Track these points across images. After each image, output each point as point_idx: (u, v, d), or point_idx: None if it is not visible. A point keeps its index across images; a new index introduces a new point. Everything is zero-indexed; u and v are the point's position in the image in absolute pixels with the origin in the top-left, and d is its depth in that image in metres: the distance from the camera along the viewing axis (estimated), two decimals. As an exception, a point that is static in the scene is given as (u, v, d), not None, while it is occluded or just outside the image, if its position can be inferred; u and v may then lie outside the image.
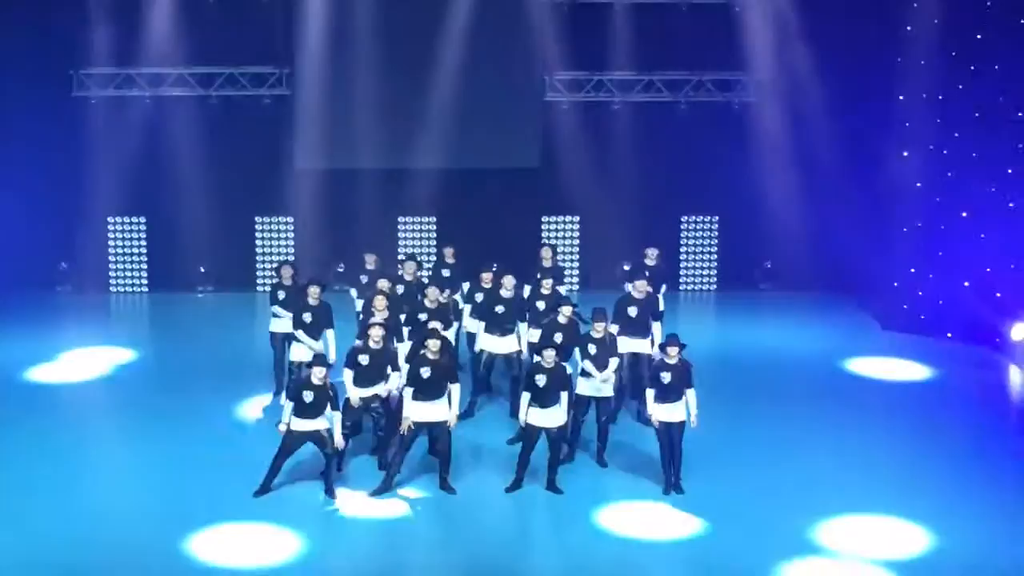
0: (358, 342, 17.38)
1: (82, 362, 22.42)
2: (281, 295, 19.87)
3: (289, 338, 19.22)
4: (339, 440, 16.16)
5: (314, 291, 18.48)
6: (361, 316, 19.72)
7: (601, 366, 16.96)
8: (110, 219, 27.17)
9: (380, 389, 16.90)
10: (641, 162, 26.50)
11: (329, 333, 18.47)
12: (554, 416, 16.24)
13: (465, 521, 16.03)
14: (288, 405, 16.29)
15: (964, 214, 23.20)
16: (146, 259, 27.63)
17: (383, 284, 18.79)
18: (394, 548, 15.46)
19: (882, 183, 25.03)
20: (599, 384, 17.09)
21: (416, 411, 16.19)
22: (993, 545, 15.13)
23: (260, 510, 15.87)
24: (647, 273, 19.67)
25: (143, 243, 27.58)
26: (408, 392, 16.25)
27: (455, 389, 16.40)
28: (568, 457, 17.30)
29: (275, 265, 21.91)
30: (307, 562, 14.88)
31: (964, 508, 16.13)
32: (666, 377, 16.60)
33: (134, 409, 19.91)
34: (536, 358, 16.74)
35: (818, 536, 15.42)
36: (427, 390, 16.12)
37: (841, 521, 15.76)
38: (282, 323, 19.52)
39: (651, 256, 20.66)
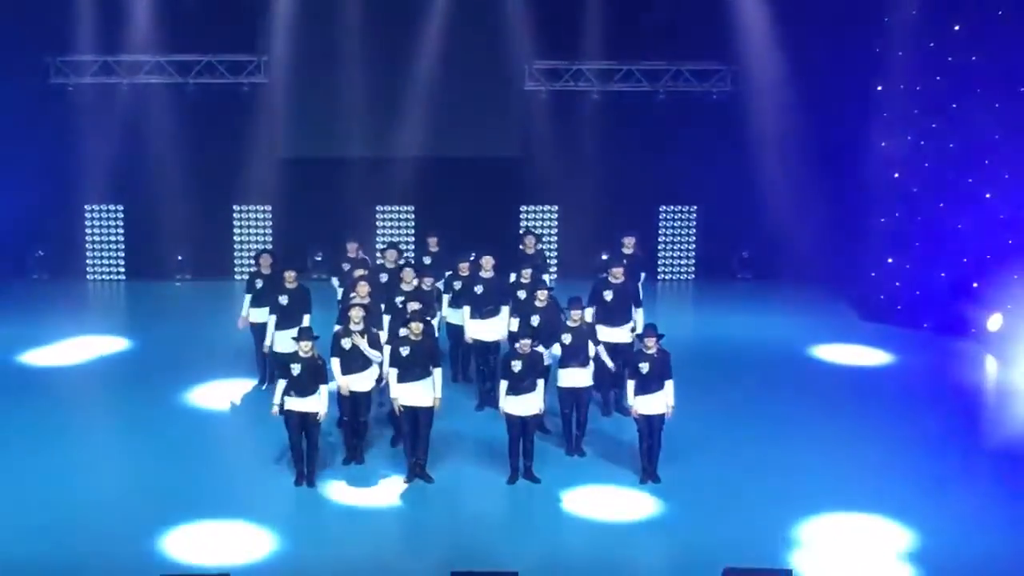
0: (338, 327, 17.38)
1: (64, 350, 22.38)
2: (259, 283, 19.75)
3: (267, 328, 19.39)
4: (323, 412, 16.15)
5: (290, 275, 18.48)
6: (341, 303, 19.49)
7: (576, 355, 16.95)
8: (87, 207, 27.08)
9: (367, 381, 16.82)
10: (619, 151, 26.58)
11: (306, 318, 18.31)
12: (529, 404, 16.27)
13: (443, 509, 16.13)
14: (280, 384, 16.23)
15: (941, 205, 23.19)
16: (123, 247, 27.51)
17: (359, 274, 18.69)
18: (373, 536, 15.49)
19: (860, 173, 25.04)
20: (579, 375, 17.04)
21: (402, 394, 16.24)
22: (965, 533, 15.24)
23: (238, 500, 15.84)
24: (625, 261, 19.68)
25: (120, 231, 27.46)
26: (393, 374, 16.28)
27: (437, 373, 16.45)
28: (579, 452, 17.38)
29: (254, 253, 21.94)
30: (285, 552, 14.89)
31: (937, 497, 16.24)
32: (644, 367, 16.64)
33: (114, 397, 20.15)
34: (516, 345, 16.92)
35: (795, 524, 15.48)
36: (410, 370, 16.14)
37: (817, 509, 15.83)
38: (263, 312, 19.40)
39: (629, 245, 20.62)
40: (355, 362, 16.68)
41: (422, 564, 14.73)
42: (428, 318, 17.46)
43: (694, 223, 27.95)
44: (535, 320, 17.39)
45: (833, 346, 22.84)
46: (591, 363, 17.29)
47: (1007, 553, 14.90)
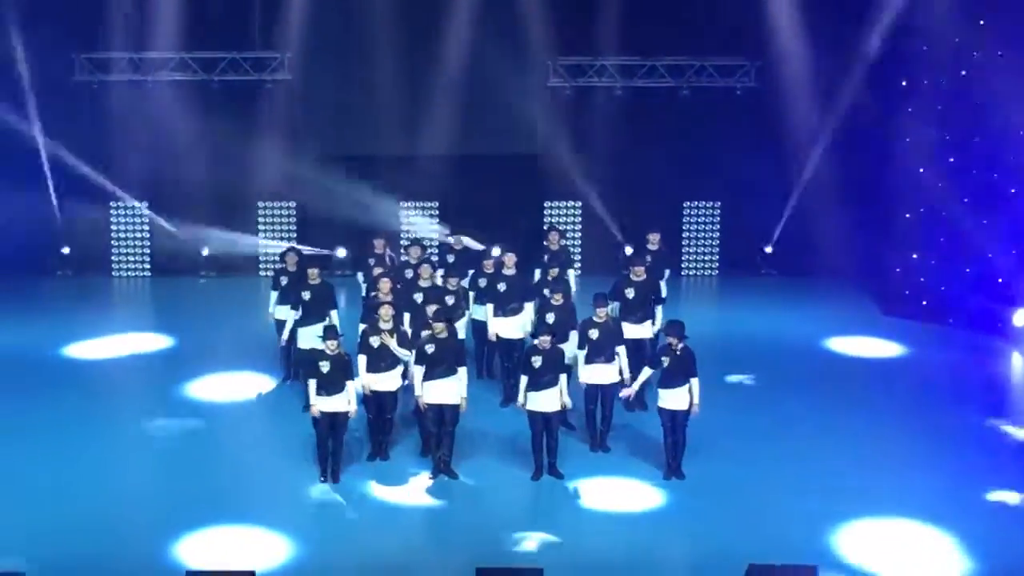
0: (364, 325, 17.53)
1: (100, 346, 22.46)
2: (284, 280, 19.80)
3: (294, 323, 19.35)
4: (353, 409, 16.20)
5: (313, 272, 18.41)
6: (366, 299, 19.55)
7: (602, 351, 16.99)
8: (112, 204, 27.13)
9: (393, 380, 16.80)
10: (643, 148, 26.61)
11: (333, 314, 18.25)
12: (549, 399, 16.30)
13: (468, 505, 16.13)
14: (311, 384, 16.32)
15: (966, 200, 23.04)
16: (149, 244, 27.66)
17: (379, 271, 18.83)
18: (398, 532, 15.53)
19: (884, 168, 25.06)
20: (604, 371, 17.06)
21: (428, 391, 16.35)
22: (990, 529, 15.24)
23: (263, 496, 16.01)
24: (649, 257, 19.86)
25: (146, 228, 27.58)
26: (419, 372, 16.35)
27: (463, 372, 16.53)
28: (603, 448, 17.38)
29: (280, 251, 21.77)
30: (310, 548, 14.91)
31: (958, 491, 16.21)
32: (666, 362, 16.82)
33: (144, 392, 20.21)
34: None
35: (819, 520, 15.48)
36: (436, 368, 16.22)
37: (841, 505, 15.81)
38: (286, 310, 19.42)
39: (653, 241, 20.73)
40: (383, 361, 16.67)
41: (447, 560, 14.78)
42: (452, 318, 17.50)
43: (718, 219, 28.01)
44: (550, 318, 17.43)
45: (857, 340, 22.95)
46: (616, 359, 17.27)
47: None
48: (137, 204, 27.58)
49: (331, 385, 16.22)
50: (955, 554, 14.84)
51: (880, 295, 25.78)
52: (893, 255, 25.07)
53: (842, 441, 18.35)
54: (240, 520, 15.42)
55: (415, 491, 16.47)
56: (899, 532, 15.50)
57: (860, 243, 26.23)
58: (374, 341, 16.66)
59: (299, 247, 22.01)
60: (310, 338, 17.76)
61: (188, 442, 17.98)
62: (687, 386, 16.62)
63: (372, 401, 16.96)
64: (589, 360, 17.12)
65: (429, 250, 23.39)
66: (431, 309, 17.27)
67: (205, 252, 27.71)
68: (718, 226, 28.48)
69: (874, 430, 18.72)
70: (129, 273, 28.26)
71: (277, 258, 21.88)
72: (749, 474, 17.09)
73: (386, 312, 16.71)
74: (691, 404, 16.63)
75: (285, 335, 19.23)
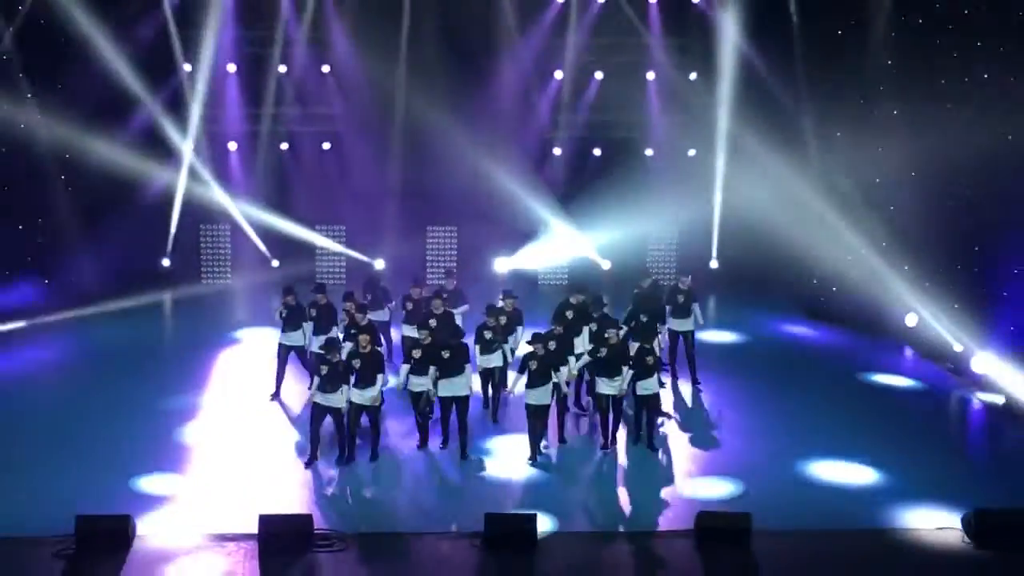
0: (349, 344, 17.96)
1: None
2: (313, 312, 19.72)
3: (293, 349, 19.77)
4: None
5: (364, 339, 17.16)
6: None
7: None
8: (202, 225, 28.95)
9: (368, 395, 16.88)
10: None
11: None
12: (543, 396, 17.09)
13: (477, 472, 17.06)
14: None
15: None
16: (230, 257, 29.41)
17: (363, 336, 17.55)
18: (419, 488, 16.57)
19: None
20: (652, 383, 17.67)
21: (444, 386, 17.18)
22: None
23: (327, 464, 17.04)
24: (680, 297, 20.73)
25: (228, 243, 29.31)
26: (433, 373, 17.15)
27: (468, 369, 17.37)
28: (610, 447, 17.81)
29: (314, 287, 20.68)
30: (356, 497, 16.21)
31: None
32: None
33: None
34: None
35: (759, 476, 16.70)
36: (449, 369, 17.09)
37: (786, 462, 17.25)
38: (294, 336, 19.62)
39: (684, 283, 20.91)
40: (361, 377, 16.80)
41: (460, 508, 15.74)
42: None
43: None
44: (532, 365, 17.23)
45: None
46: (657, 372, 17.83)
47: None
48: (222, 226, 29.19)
49: (360, 381, 16.77)
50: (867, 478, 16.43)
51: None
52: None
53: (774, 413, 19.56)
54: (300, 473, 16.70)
55: (433, 462, 17.36)
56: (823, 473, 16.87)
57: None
58: (355, 363, 16.79)
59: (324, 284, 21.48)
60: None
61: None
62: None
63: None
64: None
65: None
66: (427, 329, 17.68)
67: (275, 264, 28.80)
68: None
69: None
70: (215, 280, 29.25)
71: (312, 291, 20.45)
72: (713, 440, 18.36)
73: (364, 339, 17.00)
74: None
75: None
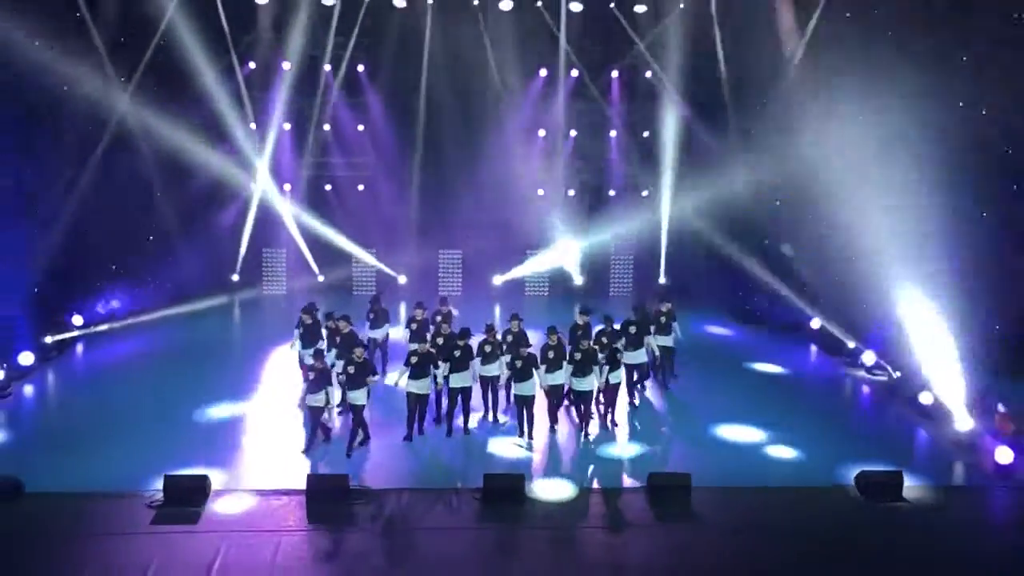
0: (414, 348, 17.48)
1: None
2: (301, 330, 18.63)
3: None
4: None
5: (359, 352, 16.48)
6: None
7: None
8: (264, 249, 28.88)
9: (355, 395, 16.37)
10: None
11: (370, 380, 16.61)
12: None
13: (477, 446, 16.92)
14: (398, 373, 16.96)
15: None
16: (284, 274, 29.20)
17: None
18: (425, 457, 16.32)
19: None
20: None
21: (453, 380, 16.94)
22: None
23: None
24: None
25: (283, 264, 29.11)
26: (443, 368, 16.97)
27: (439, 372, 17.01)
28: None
29: (303, 307, 19.13)
30: (375, 463, 15.96)
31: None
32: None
33: None
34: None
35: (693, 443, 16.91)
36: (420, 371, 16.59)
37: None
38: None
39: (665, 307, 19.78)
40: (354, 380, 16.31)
41: (464, 471, 15.72)
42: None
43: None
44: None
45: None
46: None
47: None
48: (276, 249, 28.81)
49: (354, 383, 16.25)
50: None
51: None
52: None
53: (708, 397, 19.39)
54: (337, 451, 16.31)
55: (437, 441, 16.97)
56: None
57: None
58: (350, 369, 16.25)
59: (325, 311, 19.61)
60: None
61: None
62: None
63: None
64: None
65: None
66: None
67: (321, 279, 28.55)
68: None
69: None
70: (273, 292, 28.93)
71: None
72: (662, 419, 18.30)
73: (359, 352, 16.39)
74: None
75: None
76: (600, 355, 17.28)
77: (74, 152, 23.27)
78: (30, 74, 20.12)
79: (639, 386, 19.15)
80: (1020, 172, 19.37)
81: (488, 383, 17.80)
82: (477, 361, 17.43)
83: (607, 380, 17.41)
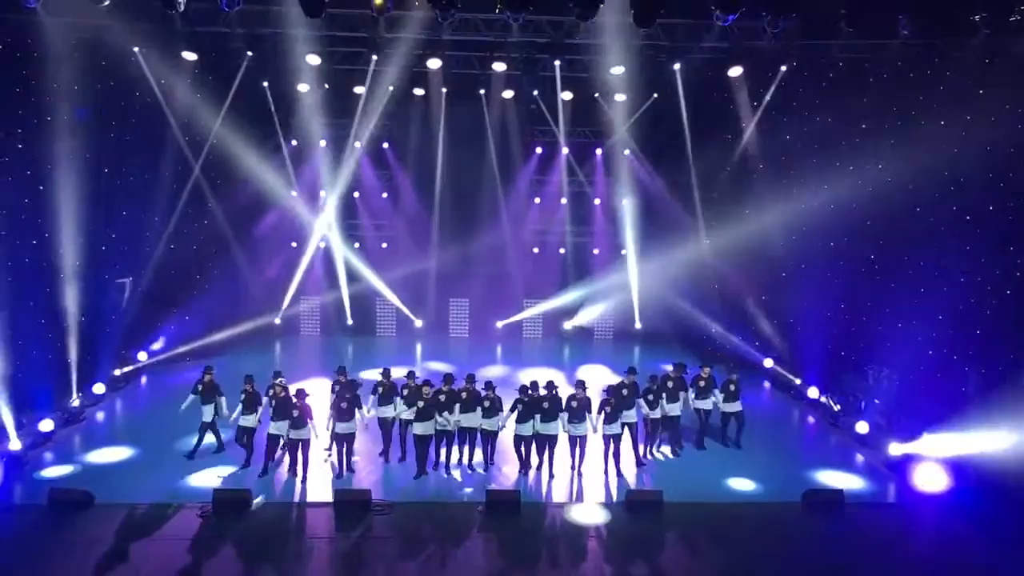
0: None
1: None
2: (243, 396, 16.20)
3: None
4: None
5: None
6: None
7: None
8: (303, 296, 28.74)
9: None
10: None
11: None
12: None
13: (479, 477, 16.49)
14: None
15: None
16: (318, 318, 29.23)
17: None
18: (430, 481, 15.87)
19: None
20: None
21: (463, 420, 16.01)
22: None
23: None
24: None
25: (319, 310, 29.14)
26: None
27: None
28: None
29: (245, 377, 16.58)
30: (387, 479, 15.76)
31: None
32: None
33: None
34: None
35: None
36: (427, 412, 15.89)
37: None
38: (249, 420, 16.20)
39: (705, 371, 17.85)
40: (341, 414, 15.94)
41: (466, 489, 15.50)
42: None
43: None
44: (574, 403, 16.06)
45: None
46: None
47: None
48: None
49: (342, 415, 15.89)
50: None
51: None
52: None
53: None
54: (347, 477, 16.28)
55: (451, 472, 16.28)
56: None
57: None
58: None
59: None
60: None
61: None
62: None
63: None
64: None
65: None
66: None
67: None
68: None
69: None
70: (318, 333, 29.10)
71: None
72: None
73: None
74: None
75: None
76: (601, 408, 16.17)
77: (161, 211, 23.57)
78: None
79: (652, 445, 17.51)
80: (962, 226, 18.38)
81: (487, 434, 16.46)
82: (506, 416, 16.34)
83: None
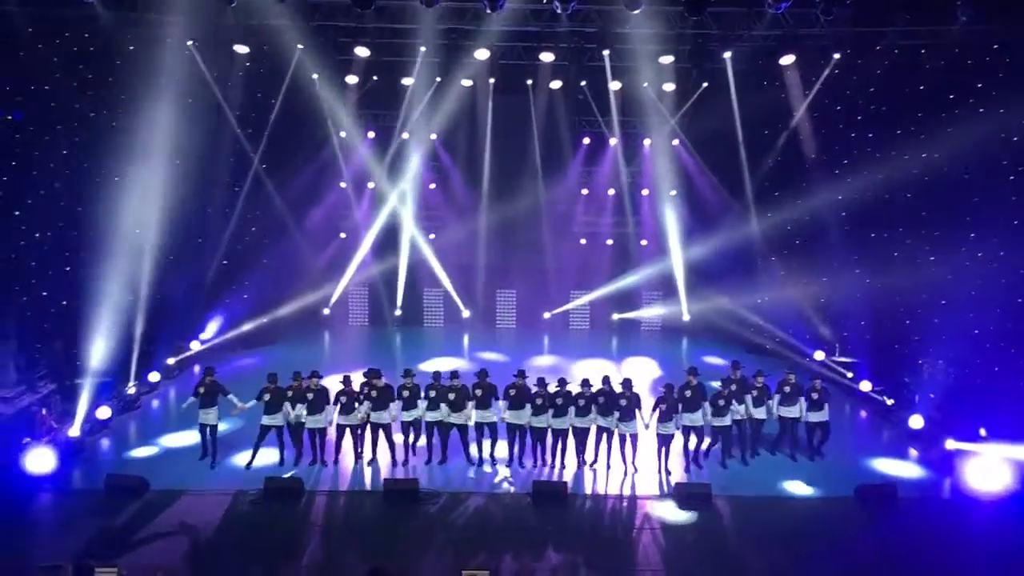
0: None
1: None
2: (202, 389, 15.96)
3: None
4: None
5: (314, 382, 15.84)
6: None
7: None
8: (352, 287, 28.84)
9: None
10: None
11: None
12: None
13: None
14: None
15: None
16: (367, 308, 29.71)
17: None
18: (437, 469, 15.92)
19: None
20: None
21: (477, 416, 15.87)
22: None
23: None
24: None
25: (367, 301, 29.59)
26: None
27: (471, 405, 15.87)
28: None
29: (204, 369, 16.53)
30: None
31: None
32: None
33: None
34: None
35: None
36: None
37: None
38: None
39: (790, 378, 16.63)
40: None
41: (515, 481, 15.41)
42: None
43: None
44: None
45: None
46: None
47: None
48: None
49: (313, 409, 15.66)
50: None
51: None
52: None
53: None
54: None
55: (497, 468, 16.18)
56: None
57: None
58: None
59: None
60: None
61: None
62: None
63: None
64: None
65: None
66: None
67: (398, 313, 28.70)
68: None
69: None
70: (357, 324, 29.38)
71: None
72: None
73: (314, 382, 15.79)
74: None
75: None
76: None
77: (222, 205, 23.92)
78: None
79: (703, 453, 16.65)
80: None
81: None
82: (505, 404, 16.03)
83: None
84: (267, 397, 15.77)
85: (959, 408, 17.64)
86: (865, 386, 20.69)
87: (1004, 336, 16.93)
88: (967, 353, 17.81)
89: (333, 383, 16.49)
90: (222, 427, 16.57)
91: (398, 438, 16.43)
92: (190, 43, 21.02)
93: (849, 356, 22.23)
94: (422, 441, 16.42)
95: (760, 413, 16.43)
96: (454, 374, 16.16)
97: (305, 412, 15.78)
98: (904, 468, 16.54)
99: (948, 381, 18.43)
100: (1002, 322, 16.87)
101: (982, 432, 16.42)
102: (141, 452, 16.74)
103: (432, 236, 28.73)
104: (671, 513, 14.19)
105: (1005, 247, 16.83)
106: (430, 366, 21.61)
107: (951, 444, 16.50)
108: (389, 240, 28.42)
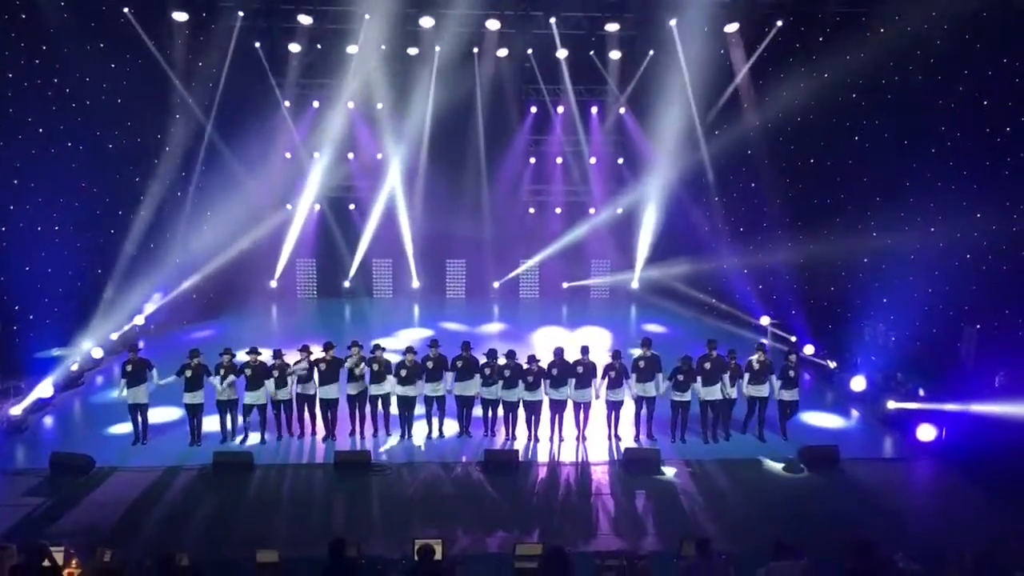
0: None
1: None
2: (129, 368, 15.48)
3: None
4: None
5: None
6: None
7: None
8: (298, 259, 28.85)
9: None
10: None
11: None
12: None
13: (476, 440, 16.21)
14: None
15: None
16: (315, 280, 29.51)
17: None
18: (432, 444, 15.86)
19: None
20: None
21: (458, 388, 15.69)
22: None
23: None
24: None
25: (315, 272, 29.50)
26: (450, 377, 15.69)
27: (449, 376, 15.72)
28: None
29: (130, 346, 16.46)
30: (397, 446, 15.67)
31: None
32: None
33: None
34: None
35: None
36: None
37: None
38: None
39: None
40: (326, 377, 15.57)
41: (467, 451, 15.40)
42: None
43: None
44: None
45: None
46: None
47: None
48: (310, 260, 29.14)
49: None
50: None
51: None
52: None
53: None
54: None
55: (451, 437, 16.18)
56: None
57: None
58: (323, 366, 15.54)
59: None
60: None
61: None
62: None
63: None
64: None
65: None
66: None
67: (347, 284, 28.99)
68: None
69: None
70: (305, 295, 29.14)
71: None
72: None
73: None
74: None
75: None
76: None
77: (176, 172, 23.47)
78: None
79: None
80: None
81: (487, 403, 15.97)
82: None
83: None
84: (188, 373, 15.37)
85: (900, 370, 17.89)
86: (808, 350, 20.80)
87: (942, 298, 17.25)
88: (908, 317, 18.06)
89: (293, 357, 15.97)
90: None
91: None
92: (126, 10, 20.49)
93: (786, 322, 22.38)
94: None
95: (735, 393, 15.84)
96: (434, 342, 16.13)
97: (274, 386, 15.52)
98: (846, 430, 16.76)
99: (889, 344, 18.71)
100: (940, 284, 17.19)
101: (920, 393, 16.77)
102: (85, 430, 16.43)
103: (352, 207, 28.43)
104: (621, 479, 14.24)
105: (942, 211, 17.12)
106: (400, 340, 21.51)
107: (892, 404, 16.78)
108: (338, 211, 28.13)
